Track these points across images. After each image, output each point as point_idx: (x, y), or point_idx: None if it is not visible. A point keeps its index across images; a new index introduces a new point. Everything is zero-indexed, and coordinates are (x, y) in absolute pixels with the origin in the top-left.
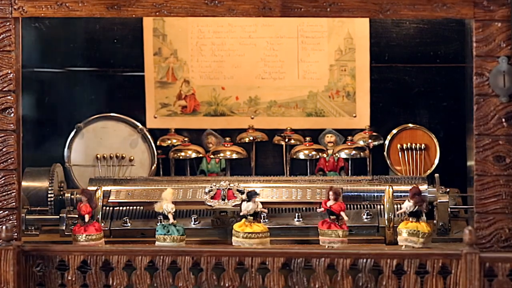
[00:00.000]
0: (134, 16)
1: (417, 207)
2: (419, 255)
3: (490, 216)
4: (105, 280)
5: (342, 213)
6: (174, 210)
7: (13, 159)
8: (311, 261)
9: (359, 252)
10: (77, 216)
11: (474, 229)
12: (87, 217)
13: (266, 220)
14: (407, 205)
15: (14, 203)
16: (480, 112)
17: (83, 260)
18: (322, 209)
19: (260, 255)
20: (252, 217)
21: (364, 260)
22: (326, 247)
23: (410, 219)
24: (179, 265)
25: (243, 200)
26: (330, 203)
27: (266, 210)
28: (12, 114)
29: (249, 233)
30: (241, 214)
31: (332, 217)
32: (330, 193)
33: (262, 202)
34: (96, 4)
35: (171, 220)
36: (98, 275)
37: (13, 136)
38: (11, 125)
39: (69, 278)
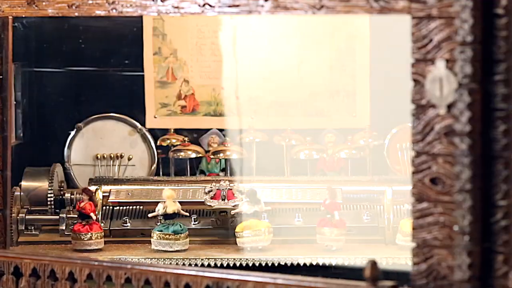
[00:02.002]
0: (92, 15)
1: None
2: None
3: (426, 249)
4: None
5: (336, 213)
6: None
7: None
8: None
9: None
10: (77, 216)
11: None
12: (93, 215)
13: (267, 220)
14: None
15: None
16: (417, 125)
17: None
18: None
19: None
20: (254, 217)
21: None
22: (325, 245)
23: None
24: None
25: (244, 201)
26: (327, 201)
27: (269, 208)
28: None
29: (252, 231)
30: (242, 214)
31: (328, 216)
32: (327, 192)
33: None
34: (60, 2)
35: (183, 213)
36: (46, 285)
37: None
38: None
39: (21, 285)
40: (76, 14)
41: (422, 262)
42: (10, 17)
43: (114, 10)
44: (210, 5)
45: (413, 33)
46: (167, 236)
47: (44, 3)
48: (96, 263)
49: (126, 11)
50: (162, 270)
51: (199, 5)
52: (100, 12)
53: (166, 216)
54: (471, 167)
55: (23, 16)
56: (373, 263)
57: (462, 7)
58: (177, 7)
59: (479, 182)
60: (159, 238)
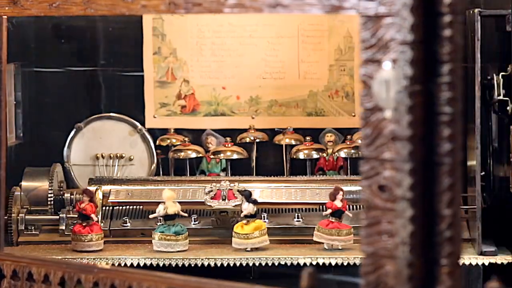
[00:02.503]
0: (69, 14)
1: None
2: None
3: (375, 259)
4: None
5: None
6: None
7: None
8: None
9: None
10: (76, 216)
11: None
12: (94, 216)
13: (266, 221)
14: None
15: None
16: (366, 129)
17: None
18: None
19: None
20: (251, 218)
21: None
22: (332, 246)
23: None
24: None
25: (244, 201)
26: (336, 201)
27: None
28: None
29: (247, 233)
30: (243, 215)
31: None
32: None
33: (262, 203)
34: (42, 2)
35: (182, 214)
36: (24, 287)
37: None
38: None
39: (3, 287)
40: (56, 13)
41: (371, 273)
42: (5, 17)
43: (90, 10)
44: (175, 4)
45: (361, 33)
46: (168, 237)
47: (29, 2)
48: (65, 265)
49: (100, 10)
50: (129, 273)
51: (167, 4)
52: (77, 11)
53: (167, 217)
54: (412, 174)
55: (11, 15)
56: (311, 273)
57: (402, 5)
58: (145, 6)
59: (420, 190)
60: (161, 239)
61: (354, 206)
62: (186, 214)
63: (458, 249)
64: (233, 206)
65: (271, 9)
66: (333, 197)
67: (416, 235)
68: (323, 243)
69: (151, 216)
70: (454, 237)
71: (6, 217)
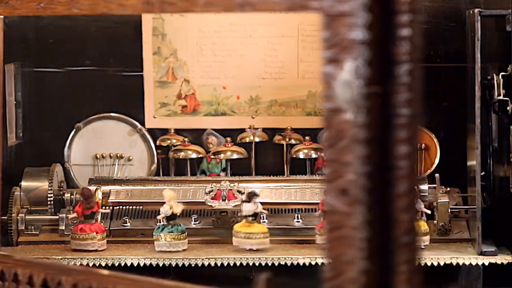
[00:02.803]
0: (55, 14)
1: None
2: None
3: (337, 265)
4: None
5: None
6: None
7: None
8: None
9: None
10: (76, 216)
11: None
12: (100, 214)
13: (266, 221)
14: None
15: None
16: (327, 131)
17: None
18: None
19: None
20: (252, 218)
21: None
22: None
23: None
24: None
25: (243, 201)
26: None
27: (266, 212)
28: None
29: (249, 233)
30: (242, 215)
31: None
32: None
33: (262, 203)
34: (30, 2)
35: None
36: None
37: None
38: None
39: None
40: (43, 13)
41: (334, 278)
42: (1, 17)
43: (74, 9)
44: (151, 4)
45: (323, 32)
46: (178, 236)
47: (18, 2)
48: (47, 267)
49: (84, 10)
50: (106, 276)
51: (142, 4)
52: (62, 11)
53: (170, 217)
54: (368, 178)
55: (1, 15)
56: (267, 279)
57: (360, 3)
58: (121, 5)
59: (377, 194)
60: (170, 239)
61: None
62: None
63: (415, 256)
64: (233, 206)
65: (240, 7)
66: None
67: (371, 241)
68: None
69: (159, 217)
70: (411, 243)
71: (6, 217)
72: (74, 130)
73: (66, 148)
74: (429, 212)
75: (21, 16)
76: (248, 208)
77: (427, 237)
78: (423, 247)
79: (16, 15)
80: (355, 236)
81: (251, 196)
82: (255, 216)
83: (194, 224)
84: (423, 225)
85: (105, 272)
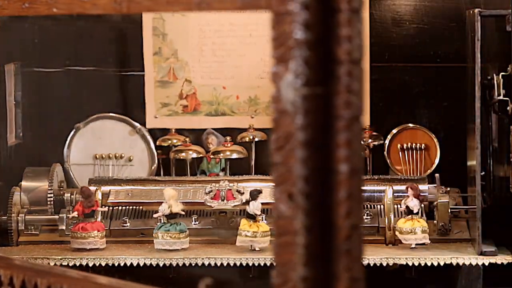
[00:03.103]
0: (38, 14)
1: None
2: None
3: (283, 270)
4: None
5: None
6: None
7: None
8: None
9: None
10: (77, 216)
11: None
12: (100, 212)
13: (266, 221)
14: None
15: None
16: (275, 134)
17: None
18: None
19: None
20: (253, 217)
21: None
22: None
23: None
24: None
25: (248, 201)
26: None
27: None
28: None
29: (255, 232)
30: (254, 213)
31: None
32: None
33: (262, 203)
34: (16, 2)
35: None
36: None
37: None
38: None
39: None
40: (27, 13)
41: (282, 284)
42: None
43: (54, 9)
44: (119, 3)
45: (271, 31)
46: (174, 235)
47: (6, 2)
48: (26, 268)
49: (62, 9)
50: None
51: (113, 2)
52: (44, 11)
53: (169, 215)
54: (306, 182)
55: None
56: (208, 286)
57: (299, 2)
58: (94, 4)
59: (317, 199)
60: (166, 237)
61: None
62: (183, 213)
63: (357, 264)
64: (232, 207)
65: (197, 6)
66: None
67: (310, 248)
68: None
69: (155, 215)
70: (353, 251)
71: (5, 217)
72: (74, 130)
73: (66, 148)
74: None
75: (23, 16)
76: (255, 207)
77: (426, 235)
78: (425, 244)
79: (5, 15)
80: (296, 242)
81: (256, 194)
82: (254, 217)
83: (194, 224)
84: (423, 223)
85: (79, 275)
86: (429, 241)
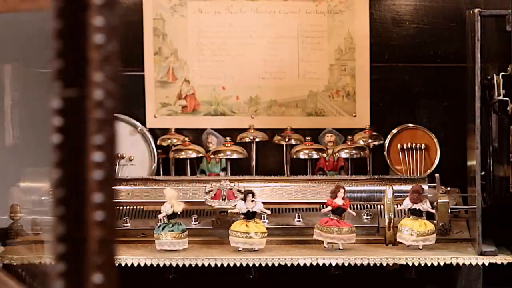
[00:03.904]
0: (18, 10)
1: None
2: None
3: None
4: None
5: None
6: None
7: None
8: None
9: None
10: None
11: None
12: None
13: (266, 221)
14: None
15: None
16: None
17: None
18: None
19: None
20: (251, 217)
21: None
22: (332, 246)
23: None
24: None
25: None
26: (337, 199)
27: (269, 211)
28: None
29: (244, 232)
30: (233, 212)
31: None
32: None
33: (262, 202)
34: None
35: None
36: None
37: None
38: None
39: None
40: (5, 10)
41: None
42: None
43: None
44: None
45: None
46: (178, 235)
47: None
48: None
49: (46, 6)
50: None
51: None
52: (24, 7)
53: (170, 215)
54: (58, 188)
55: None
56: None
57: (54, 6)
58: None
59: (70, 207)
60: (171, 238)
61: (355, 206)
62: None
63: (111, 279)
64: (233, 206)
65: None
66: (334, 194)
67: (63, 259)
68: (322, 241)
69: (159, 216)
70: (106, 264)
71: (5, 217)
72: None
73: None
74: (433, 211)
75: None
76: (240, 206)
77: (433, 236)
78: (427, 245)
79: None
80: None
81: (246, 194)
82: (253, 216)
83: (194, 224)
84: (428, 225)
85: None
86: (433, 242)
